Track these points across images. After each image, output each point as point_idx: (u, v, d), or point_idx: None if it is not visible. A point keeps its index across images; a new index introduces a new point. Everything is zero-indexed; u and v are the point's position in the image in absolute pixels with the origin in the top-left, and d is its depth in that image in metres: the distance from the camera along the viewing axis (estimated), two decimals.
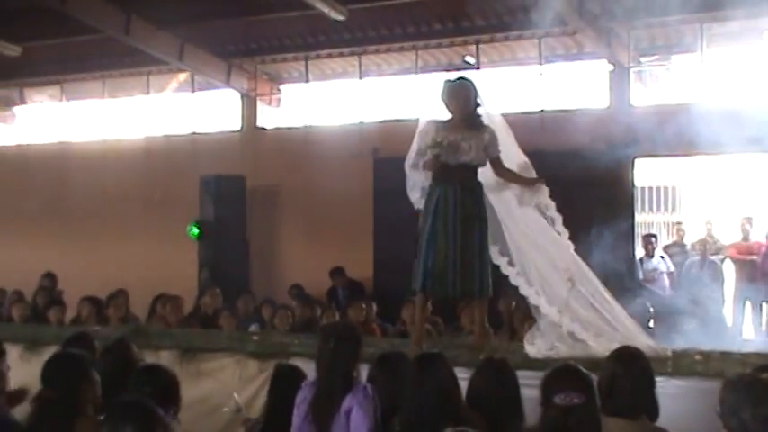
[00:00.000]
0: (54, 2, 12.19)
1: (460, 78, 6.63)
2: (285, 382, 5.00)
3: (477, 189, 6.48)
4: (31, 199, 16.30)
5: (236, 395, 6.11)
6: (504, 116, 13.29)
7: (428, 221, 6.39)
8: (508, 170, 6.57)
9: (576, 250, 8.59)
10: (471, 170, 6.47)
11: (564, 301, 6.38)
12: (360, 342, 4.82)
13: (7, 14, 13.39)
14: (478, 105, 6.52)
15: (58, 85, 16.94)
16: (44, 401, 4.05)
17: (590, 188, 11.17)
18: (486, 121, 6.58)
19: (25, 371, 5.82)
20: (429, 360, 4.53)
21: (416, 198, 6.67)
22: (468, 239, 6.35)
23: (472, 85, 6.54)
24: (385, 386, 4.63)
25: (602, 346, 6.01)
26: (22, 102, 17.67)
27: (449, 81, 6.58)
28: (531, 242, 6.58)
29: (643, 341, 6.12)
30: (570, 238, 9.01)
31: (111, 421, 3.19)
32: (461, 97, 6.46)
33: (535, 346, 6.29)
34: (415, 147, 6.58)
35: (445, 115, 6.51)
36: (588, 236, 9.38)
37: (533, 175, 6.62)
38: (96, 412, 4.20)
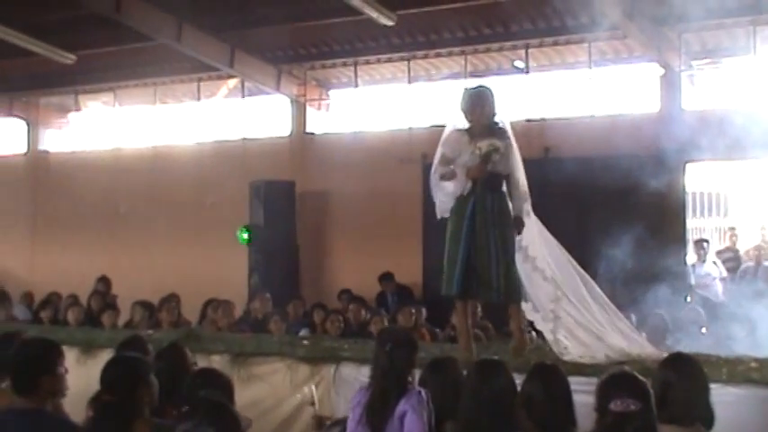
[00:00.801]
0: (108, 10, 12.39)
1: (480, 86, 6.68)
2: None
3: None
4: (85, 204, 16.57)
5: (313, 387, 6.18)
6: (554, 120, 13.34)
7: (463, 225, 6.34)
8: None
9: (627, 256, 8.57)
10: (502, 178, 6.49)
11: (553, 315, 6.42)
12: (416, 348, 4.86)
13: (62, 23, 13.66)
14: (495, 114, 6.53)
15: (111, 91, 17.22)
16: (104, 404, 4.11)
17: (641, 193, 11.08)
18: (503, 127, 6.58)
19: (81, 373, 5.91)
20: (490, 367, 4.52)
21: (447, 208, 6.55)
22: (509, 246, 6.35)
23: (491, 92, 6.57)
24: (435, 391, 4.65)
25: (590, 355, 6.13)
26: (77, 108, 17.97)
27: (468, 89, 6.63)
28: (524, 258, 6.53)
29: (634, 351, 6.20)
30: (621, 244, 8.99)
31: (193, 420, 3.21)
32: (483, 105, 6.49)
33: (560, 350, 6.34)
34: (439, 156, 6.57)
35: (464, 123, 6.54)
36: (639, 241, 9.33)
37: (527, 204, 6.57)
38: (152, 415, 4.28)
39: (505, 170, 6.47)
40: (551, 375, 4.64)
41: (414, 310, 10.06)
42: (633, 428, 3.62)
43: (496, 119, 6.53)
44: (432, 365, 4.98)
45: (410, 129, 14.44)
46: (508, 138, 6.48)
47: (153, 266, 15.27)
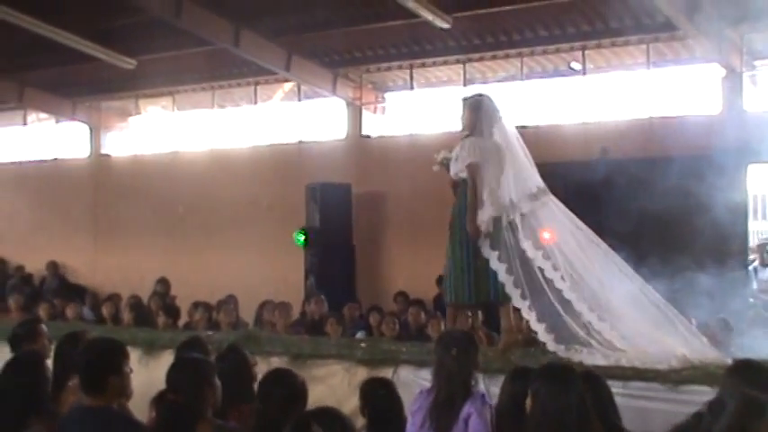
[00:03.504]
0: (169, 16, 12.56)
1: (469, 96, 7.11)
2: (377, 397, 5.12)
3: None
4: (144, 206, 16.82)
5: None
6: (611, 122, 13.18)
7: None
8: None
9: (687, 259, 8.46)
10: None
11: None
12: (477, 349, 4.86)
13: (124, 29, 13.88)
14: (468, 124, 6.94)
15: (170, 95, 17.47)
16: (169, 405, 4.18)
17: (701, 196, 10.93)
18: (496, 137, 6.90)
19: (143, 374, 6.00)
20: (561, 374, 4.27)
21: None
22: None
23: (474, 102, 7.03)
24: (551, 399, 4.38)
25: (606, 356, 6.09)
26: (137, 112, 18.27)
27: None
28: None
29: (695, 357, 6.06)
30: (680, 247, 8.87)
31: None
32: (463, 114, 7.05)
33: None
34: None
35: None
36: (699, 244, 9.20)
37: (543, 199, 6.77)
38: (214, 416, 4.33)
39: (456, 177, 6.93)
40: (596, 381, 4.55)
41: (470, 314, 10.00)
42: None
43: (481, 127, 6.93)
44: (546, 372, 4.35)
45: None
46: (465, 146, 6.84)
47: (211, 268, 15.44)
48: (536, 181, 6.83)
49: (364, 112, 15.63)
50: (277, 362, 7.03)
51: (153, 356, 7.73)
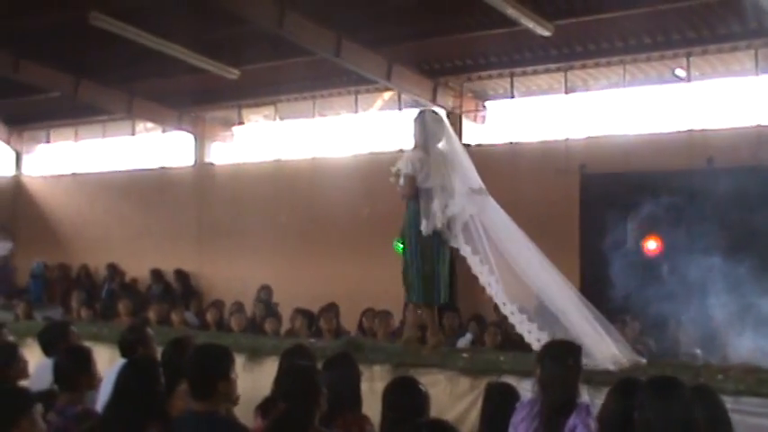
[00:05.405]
0: (272, 26, 12.76)
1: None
2: (499, 401, 5.06)
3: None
4: (247, 214, 17.11)
5: None
6: (717, 131, 12.85)
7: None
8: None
9: None
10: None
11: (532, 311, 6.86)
12: None
13: (228, 40, 14.18)
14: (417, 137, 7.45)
15: (273, 105, 17.75)
16: (283, 413, 4.25)
17: None
18: (442, 148, 7.55)
19: (247, 379, 6.11)
20: (667, 387, 4.09)
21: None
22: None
23: (418, 117, 7.60)
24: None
25: None
26: (240, 122, 18.61)
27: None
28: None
29: (606, 352, 6.27)
30: None
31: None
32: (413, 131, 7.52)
33: None
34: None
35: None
36: None
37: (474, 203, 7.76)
38: (320, 423, 4.40)
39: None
40: (709, 396, 4.40)
41: None
42: None
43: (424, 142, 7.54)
44: (652, 385, 4.14)
45: (567, 139, 14.26)
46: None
47: (312, 275, 15.59)
48: (477, 181, 7.85)
49: (465, 121, 15.59)
50: (379, 370, 7.10)
51: (257, 363, 7.88)
